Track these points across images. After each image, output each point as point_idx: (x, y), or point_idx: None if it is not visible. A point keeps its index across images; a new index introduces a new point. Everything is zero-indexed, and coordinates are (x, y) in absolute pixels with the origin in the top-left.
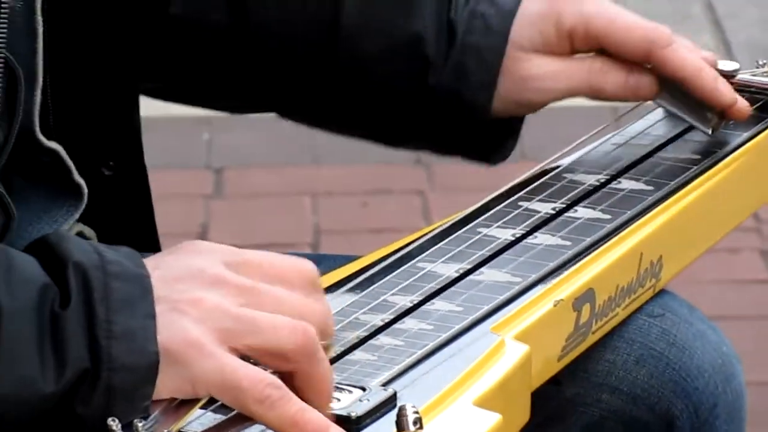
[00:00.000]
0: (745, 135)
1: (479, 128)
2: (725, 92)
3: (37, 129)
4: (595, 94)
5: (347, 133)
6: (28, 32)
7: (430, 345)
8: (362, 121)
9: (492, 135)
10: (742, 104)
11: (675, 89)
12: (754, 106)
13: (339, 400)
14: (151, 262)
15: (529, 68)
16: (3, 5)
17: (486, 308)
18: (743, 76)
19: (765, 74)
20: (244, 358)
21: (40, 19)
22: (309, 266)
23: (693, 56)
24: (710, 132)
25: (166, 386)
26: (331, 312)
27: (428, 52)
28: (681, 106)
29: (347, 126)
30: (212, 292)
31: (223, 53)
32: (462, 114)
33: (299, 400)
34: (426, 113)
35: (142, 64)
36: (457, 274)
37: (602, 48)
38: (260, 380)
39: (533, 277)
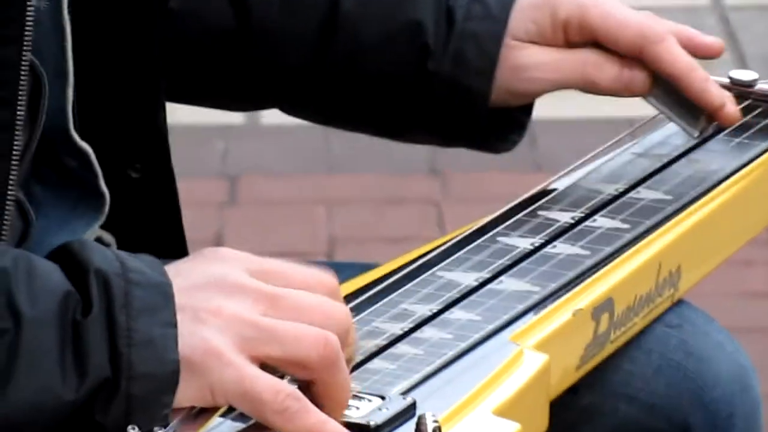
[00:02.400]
0: (764, 145)
1: (482, 118)
2: (715, 94)
3: (71, 127)
4: (588, 87)
5: (349, 126)
6: (55, 31)
7: (450, 354)
8: (364, 111)
9: (497, 126)
10: (731, 108)
11: (667, 88)
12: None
13: (358, 408)
14: (172, 269)
15: (523, 57)
16: (29, 6)
17: (505, 317)
18: (761, 86)
19: None
20: (265, 366)
21: (67, 17)
22: (329, 275)
23: (685, 55)
24: (696, 135)
25: (185, 395)
26: (351, 319)
27: (428, 39)
28: (671, 105)
29: (349, 118)
30: (233, 301)
31: (224, 49)
32: (461, 101)
33: (318, 411)
34: (426, 101)
35: (164, 62)
36: (476, 283)
37: (596, 41)
38: (280, 391)
39: (552, 286)
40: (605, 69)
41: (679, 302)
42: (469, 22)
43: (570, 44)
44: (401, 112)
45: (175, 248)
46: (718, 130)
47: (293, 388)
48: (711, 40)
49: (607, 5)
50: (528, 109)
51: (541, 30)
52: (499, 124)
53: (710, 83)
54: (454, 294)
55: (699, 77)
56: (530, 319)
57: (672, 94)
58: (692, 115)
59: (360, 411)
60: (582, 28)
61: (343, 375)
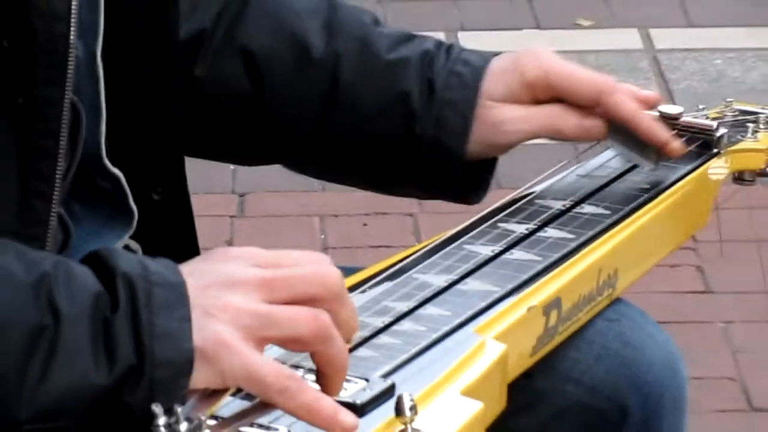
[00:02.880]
0: (688, 168)
1: (459, 172)
2: (660, 133)
3: (104, 155)
4: (556, 136)
5: (343, 181)
6: (91, 75)
7: (424, 343)
8: (359, 169)
9: (468, 180)
10: (675, 143)
11: (621, 130)
12: (696, 144)
13: (345, 389)
14: (186, 269)
15: (498, 115)
16: (70, 55)
17: (470, 313)
18: (686, 118)
19: (704, 117)
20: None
21: (100, 64)
22: (318, 253)
23: (632, 103)
24: (652, 167)
25: (200, 379)
26: (344, 279)
27: (414, 107)
28: (627, 144)
29: (345, 175)
30: (237, 295)
31: (239, 113)
32: (442, 157)
33: (314, 389)
34: (413, 159)
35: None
36: (446, 284)
37: (559, 96)
38: (281, 374)
39: (510, 287)
40: (569, 120)
41: (617, 300)
42: (447, 91)
43: (537, 101)
44: (392, 170)
45: (190, 254)
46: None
47: (292, 371)
48: (648, 93)
49: (567, 66)
50: (492, 166)
51: (512, 91)
52: (473, 177)
53: (655, 124)
54: (427, 293)
55: (645, 120)
56: (491, 314)
57: (626, 135)
58: (645, 151)
59: (347, 392)
60: (547, 87)
61: (337, 344)
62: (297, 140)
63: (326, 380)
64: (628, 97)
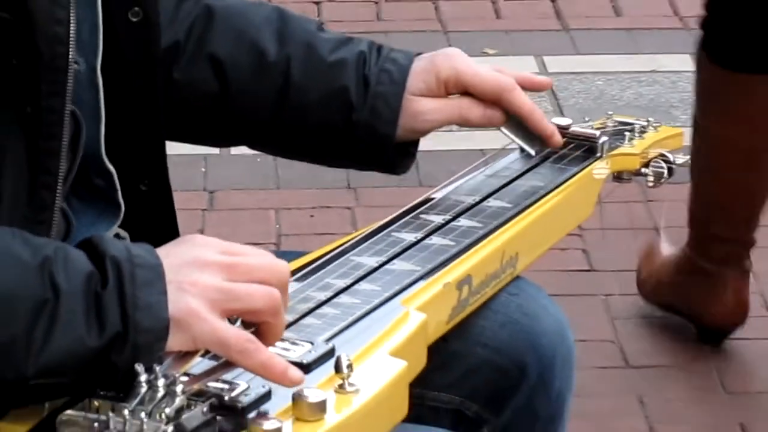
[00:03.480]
0: (576, 169)
1: (389, 151)
2: (548, 126)
3: (104, 153)
4: (463, 123)
5: (294, 156)
6: (92, 87)
7: (358, 313)
8: (306, 148)
9: (396, 157)
10: (557, 136)
11: (516, 121)
12: (582, 149)
13: (294, 351)
14: (162, 251)
15: (419, 106)
16: (70, 69)
17: (397, 288)
18: (575, 128)
19: (589, 127)
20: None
21: (100, 76)
22: (268, 250)
23: (528, 100)
24: (534, 153)
25: (174, 343)
26: (289, 270)
27: (352, 99)
28: (517, 133)
29: (295, 152)
30: (205, 274)
31: (209, 106)
32: (375, 140)
33: (267, 350)
34: (351, 141)
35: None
36: (377, 264)
37: (467, 91)
38: (240, 337)
39: (429, 267)
40: (474, 111)
41: (517, 277)
42: (379, 86)
43: (449, 94)
44: (333, 148)
45: (172, 237)
46: (545, 158)
47: (250, 335)
48: (541, 78)
49: (474, 67)
50: (416, 144)
51: (429, 87)
52: (399, 154)
53: (545, 119)
54: (361, 272)
55: (538, 115)
56: (414, 289)
57: (519, 126)
58: (531, 140)
59: (295, 353)
60: (457, 84)
61: (282, 317)
62: (256, 128)
63: (269, 345)
64: (523, 96)
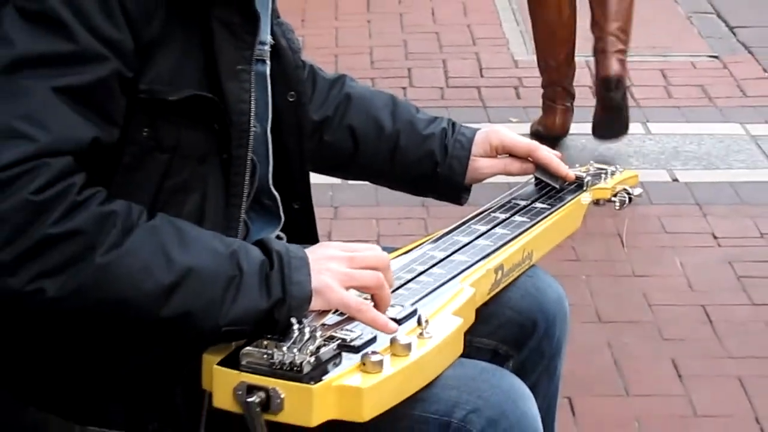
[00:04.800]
0: (570, 197)
1: (459, 192)
2: (563, 169)
3: (271, 184)
4: (507, 173)
5: (393, 188)
6: (264, 142)
7: (432, 287)
8: (404, 186)
9: (462, 192)
10: (571, 176)
11: (542, 168)
12: (575, 184)
13: (391, 311)
14: (308, 250)
15: (478, 164)
16: (251, 132)
17: (456, 272)
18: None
19: (578, 171)
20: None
21: (269, 135)
22: (375, 245)
23: (550, 154)
24: (558, 186)
25: (315, 305)
26: (390, 259)
27: (437, 159)
28: (545, 175)
29: (395, 187)
30: (333, 263)
31: (346, 159)
32: (450, 185)
33: (375, 310)
34: (434, 184)
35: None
36: (443, 256)
37: (509, 152)
38: (358, 301)
39: (476, 258)
40: (515, 165)
41: (533, 266)
42: (454, 151)
43: (498, 155)
44: (423, 188)
45: (313, 241)
46: (551, 189)
47: (364, 300)
48: (554, 152)
49: (512, 135)
50: (470, 188)
51: (485, 150)
52: (463, 192)
53: (562, 166)
54: (433, 261)
55: (556, 163)
56: (467, 273)
57: (544, 170)
58: (555, 179)
59: (391, 312)
60: (502, 148)
61: (386, 290)
62: (373, 173)
63: (377, 308)
64: (547, 151)
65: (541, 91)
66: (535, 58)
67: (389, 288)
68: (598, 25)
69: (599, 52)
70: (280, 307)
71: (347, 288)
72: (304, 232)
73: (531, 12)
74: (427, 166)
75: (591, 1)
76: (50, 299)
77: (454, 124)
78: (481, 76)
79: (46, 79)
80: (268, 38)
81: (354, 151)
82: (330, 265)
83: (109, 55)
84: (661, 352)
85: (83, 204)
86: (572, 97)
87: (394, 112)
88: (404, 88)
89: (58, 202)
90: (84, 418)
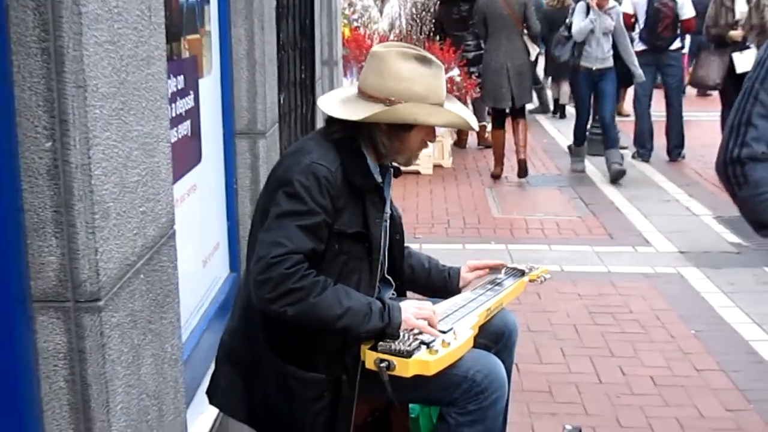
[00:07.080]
0: (517, 278)
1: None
2: (503, 265)
3: (385, 269)
4: (476, 277)
5: (410, 290)
6: (385, 254)
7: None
8: (426, 292)
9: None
10: (505, 266)
11: (501, 269)
12: (518, 273)
13: (437, 332)
14: (402, 304)
15: (465, 277)
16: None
17: (471, 310)
18: (514, 266)
19: (521, 266)
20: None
21: (386, 251)
22: (427, 302)
23: (498, 262)
24: (503, 274)
25: (404, 327)
26: (432, 309)
27: (446, 281)
28: (496, 272)
29: (411, 289)
30: (411, 312)
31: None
32: (450, 291)
33: (431, 328)
34: (443, 290)
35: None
36: (465, 302)
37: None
38: (422, 324)
39: (477, 306)
40: (481, 273)
41: (503, 308)
42: (451, 277)
43: (472, 271)
44: (435, 291)
45: (404, 296)
46: (505, 275)
47: (424, 323)
48: (498, 261)
49: (479, 261)
50: (460, 289)
51: (466, 272)
52: (456, 291)
53: (503, 264)
54: (457, 307)
55: (501, 264)
56: (477, 311)
57: (495, 269)
58: (499, 271)
59: (439, 327)
60: (476, 268)
61: (435, 321)
62: (415, 285)
63: (429, 331)
64: (498, 262)
65: None
66: None
67: (436, 319)
68: None
69: None
70: (387, 327)
71: (418, 319)
72: (400, 293)
73: None
74: (439, 282)
75: None
76: (290, 316)
77: (451, 268)
78: None
79: (293, 221)
80: (388, 209)
81: (411, 274)
82: (410, 310)
83: (321, 212)
84: (555, 344)
85: (306, 276)
86: None
87: (429, 259)
88: (417, 238)
89: (296, 274)
90: (308, 368)
